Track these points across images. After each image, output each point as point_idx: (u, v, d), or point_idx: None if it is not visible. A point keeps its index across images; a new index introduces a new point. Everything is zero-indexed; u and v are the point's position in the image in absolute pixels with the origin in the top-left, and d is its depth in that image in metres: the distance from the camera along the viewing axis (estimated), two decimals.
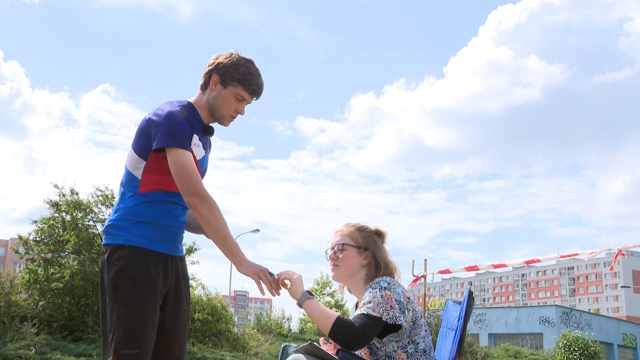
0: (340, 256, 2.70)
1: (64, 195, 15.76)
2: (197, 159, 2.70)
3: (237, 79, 2.73)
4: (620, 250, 8.60)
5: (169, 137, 2.56)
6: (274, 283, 2.55)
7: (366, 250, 2.70)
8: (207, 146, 2.85)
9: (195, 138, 2.70)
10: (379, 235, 2.77)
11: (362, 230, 2.76)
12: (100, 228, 15.72)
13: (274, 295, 2.57)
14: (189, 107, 2.72)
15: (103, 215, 15.73)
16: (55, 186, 15.72)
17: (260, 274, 2.54)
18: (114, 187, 16.13)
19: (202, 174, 2.81)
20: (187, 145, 2.60)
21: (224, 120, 2.79)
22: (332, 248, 2.77)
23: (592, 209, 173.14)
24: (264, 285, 2.53)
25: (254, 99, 2.80)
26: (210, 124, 2.80)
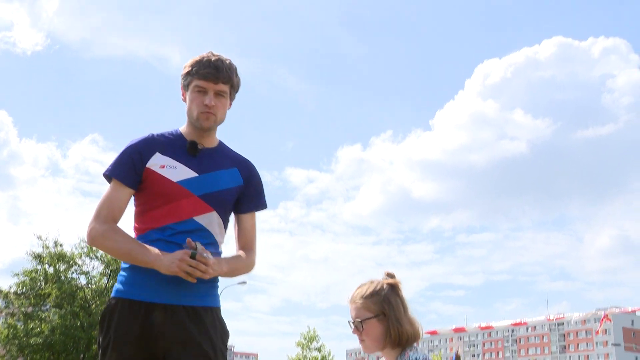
0: (362, 331, 2.66)
1: (47, 247, 15.56)
2: (175, 180, 2.43)
3: (189, 73, 2.51)
4: (606, 315, 8.55)
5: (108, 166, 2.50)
6: (202, 265, 2.29)
7: (385, 316, 2.66)
8: (212, 164, 2.52)
9: (165, 159, 2.46)
10: (392, 288, 2.71)
11: (374, 295, 2.68)
12: (83, 280, 15.49)
13: (206, 277, 2.33)
14: (169, 132, 2.56)
15: (87, 267, 15.54)
16: (39, 237, 15.56)
17: (182, 266, 2.26)
18: None
19: (203, 196, 2.46)
20: (116, 172, 2.44)
21: (199, 121, 2.49)
22: (353, 322, 2.74)
23: (579, 263, 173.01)
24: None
25: (215, 83, 2.47)
26: (195, 140, 2.52)
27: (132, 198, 2.51)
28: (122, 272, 2.46)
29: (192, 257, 2.27)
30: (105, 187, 2.50)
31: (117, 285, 2.45)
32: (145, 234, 2.44)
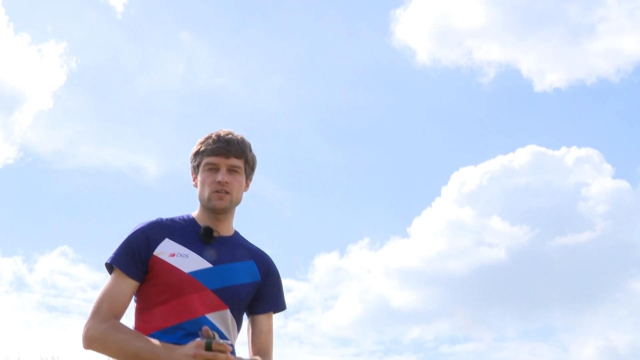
0: None
1: None
2: (186, 270, 2.16)
3: (198, 153, 2.29)
4: None
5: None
6: (220, 355, 1.99)
7: None
8: (227, 255, 2.26)
9: (176, 247, 2.20)
10: None
11: None
12: None
13: None
14: (179, 217, 2.31)
15: None
16: None
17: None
18: (64, 356, 15.09)
19: (217, 291, 2.19)
20: (120, 261, 2.16)
21: (212, 202, 2.22)
22: None
23: None
24: None
25: (227, 157, 2.24)
26: (210, 226, 2.25)
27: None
28: None
29: (208, 347, 1.95)
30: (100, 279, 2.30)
31: None
32: (149, 335, 2.12)
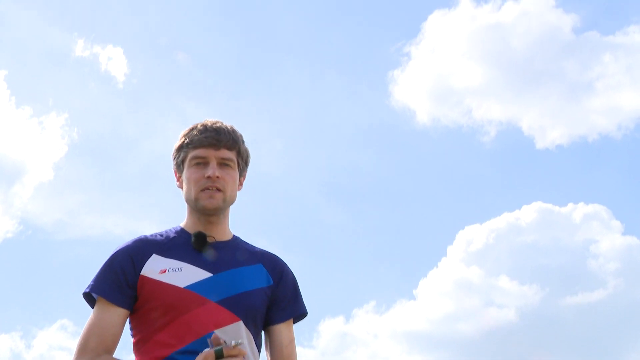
0: None
1: None
2: (182, 285, 1.83)
3: (182, 146, 1.95)
4: None
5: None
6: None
7: None
8: (228, 261, 1.92)
9: (166, 262, 1.87)
10: None
11: None
12: None
13: None
14: (165, 230, 1.99)
15: None
16: None
17: None
18: None
19: (223, 302, 1.85)
20: (102, 289, 1.83)
21: (200, 201, 1.88)
22: None
23: None
24: None
25: (217, 148, 1.91)
26: (202, 231, 1.92)
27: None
28: None
29: (219, 356, 1.64)
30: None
31: None
32: None
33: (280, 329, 1.93)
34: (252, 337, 1.86)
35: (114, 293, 1.82)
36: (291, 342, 1.95)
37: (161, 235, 1.94)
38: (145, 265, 1.85)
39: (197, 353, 1.70)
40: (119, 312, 1.82)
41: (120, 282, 1.83)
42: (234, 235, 2.00)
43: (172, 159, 2.00)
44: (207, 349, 1.65)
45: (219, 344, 1.65)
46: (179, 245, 1.89)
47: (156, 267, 1.85)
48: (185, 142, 1.93)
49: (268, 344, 1.95)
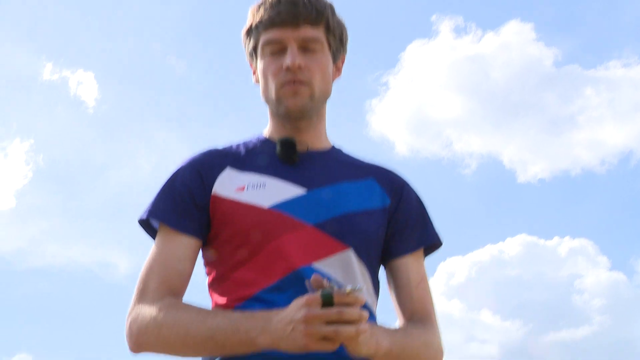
0: None
1: None
2: (267, 205, 1.38)
3: (251, 29, 1.49)
4: None
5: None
6: (348, 311, 1.12)
7: None
8: (328, 173, 1.45)
9: (245, 176, 1.42)
10: None
11: None
12: None
13: (359, 336, 1.15)
14: (244, 139, 1.54)
15: None
16: None
17: (312, 329, 1.12)
18: None
19: (323, 225, 1.37)
20: (165, 214, 1.40)
21: (283, 100, 1.43)
22: None
23: None
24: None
25: (295, 26, 1.43)
26: (289, 137, 1.46)
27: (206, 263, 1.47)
28: None
29: (327, 301, 1.12)
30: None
31: None
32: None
33: (407, 263, 1.46)
34: (366, 270, 1.40)
35: (178, 218, 1.39)
36: (422, 280, 1.47)
37: (237, 146, 1.50)
38: (217, 182, 1.42)
39: (290, 291, 1.28)
40: (187, 243, 1.39)
41: (186, 203, 1.40)
42: (333, 145, 1.54)
43: (243, 47, 1.53)
44: (309, 294, 1.15)
45: (321, 286, 1.15)
46: (260, 156, 1.46)
47: (232, 184, 1.42)
48: (255, 23, 1.46)
49: (392, 283, 1.48)
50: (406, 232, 1.47)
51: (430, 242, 1.50)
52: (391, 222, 1.46)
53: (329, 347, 1.14)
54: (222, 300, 1.38)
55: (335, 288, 1.13)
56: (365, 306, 1.27)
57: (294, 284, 1.30)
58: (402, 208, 1.48)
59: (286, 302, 1.22)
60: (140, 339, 1.31)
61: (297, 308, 1.15)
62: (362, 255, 1.39)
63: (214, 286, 1.42)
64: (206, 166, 1.44)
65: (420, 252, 1.49)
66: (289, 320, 1.15)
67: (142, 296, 1.35)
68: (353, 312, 1.12)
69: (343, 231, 1.38)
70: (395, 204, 1.47)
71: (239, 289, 1.35)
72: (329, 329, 1.11)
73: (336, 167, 1.47)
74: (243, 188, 1.40)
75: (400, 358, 1.32)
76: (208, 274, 1.44)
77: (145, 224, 1.45)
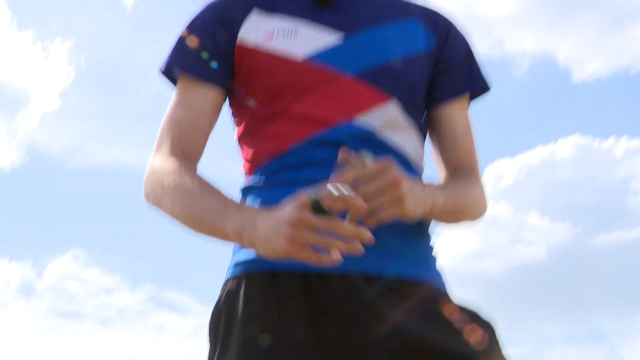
0: None
1: None
2: (301, 53, 1.25)
3: None
4: None
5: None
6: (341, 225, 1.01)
7: None
8: (367, 15, 1.30)
9: (274, 22, 1.28)
10: None
11: None
12: None
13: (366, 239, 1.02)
14: None
15: None
16: None
17: (295, 238, 1.01)
18: None
19: (364, 74, 1.26)
20: (185, 61, 1.29)
21: None
22: None
23: None
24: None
25: None
26: None
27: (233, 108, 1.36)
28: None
29: (316, 208, 1.01)
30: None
31: (236, 262, 1.25)
32: (265, 167, 1.25)
33: (452, 110, 1.34)
34: (413, 121, 1.29)
35: (199, 66, 1.26)
36: (468, 129, 1.36)
37: None
38: (242, 27, 1.28)
39: (329, 145, 1.19)
40: (206, 93, 1.27)
41: (208, 49, 1.28)
42: None
43: None
44: (304, 195, 1.03)
45: (348, 162, 1.05)
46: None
47: (259, 30, 1.27)
48: None
49: (435, 132, 1.36)
50: (452, 75, 1.34)
51: (478, 85, 1.37)
52: (437, 64, 1.33)
53: (313, 258, 1.02)
54: (253, 153, 1.28)
55: (328, 192, 1.01)
56: (407, 166, 1.22)
57: (331, 141, 1.20)
58: (449, 49, 1.35)
59: (322, 159, 1.17)
60: (153, 190, 1.25)
61: (288, 212, 1.03)
62: (407, 106, 1.27)
63: (242, 139, 1.31)
64: (230, 9, 1.29)
65: (466, 98, 1.37)
66: (279, 221, 1.04)
67: (158, 150, 1.28)
68: (347, 227, 1.00)
69: (385, 80, 1.25)
70: (442, 45, 1.34)
71: (271, 142, 1.25)
72: (317, 238, 1.00)
73: (376, 6, 1.32)
74: (272, 34, 1.26)
75: (453, 213, 1.25)
76: (237, 125, 1.32)
77: (168, 75, 1.32)
